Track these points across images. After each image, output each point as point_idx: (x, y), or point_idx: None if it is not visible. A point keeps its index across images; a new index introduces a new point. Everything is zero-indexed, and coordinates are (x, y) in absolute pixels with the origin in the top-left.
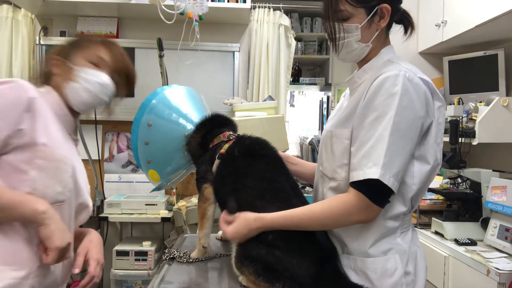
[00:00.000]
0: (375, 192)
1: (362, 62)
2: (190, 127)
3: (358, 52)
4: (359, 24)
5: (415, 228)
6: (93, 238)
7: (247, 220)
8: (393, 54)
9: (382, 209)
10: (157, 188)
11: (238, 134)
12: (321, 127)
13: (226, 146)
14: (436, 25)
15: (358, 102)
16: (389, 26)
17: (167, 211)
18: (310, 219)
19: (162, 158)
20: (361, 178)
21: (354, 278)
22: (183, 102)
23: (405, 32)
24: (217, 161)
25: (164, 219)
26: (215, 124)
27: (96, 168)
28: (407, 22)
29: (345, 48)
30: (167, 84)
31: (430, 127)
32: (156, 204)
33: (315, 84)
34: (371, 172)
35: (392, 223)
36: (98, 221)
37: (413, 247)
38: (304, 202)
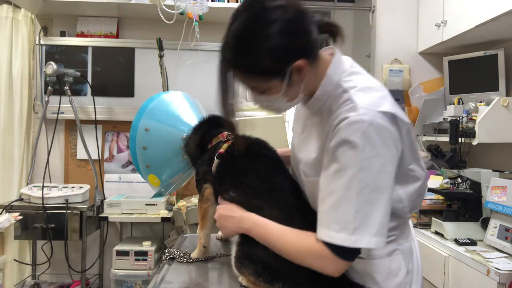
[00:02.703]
0: (341, 249)
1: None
2: (187, 130)
3: (293, 104)
4: (278, 94)
5: (409, 222)
6: None
7: (232, 212)
8: (341, 71)
9: (352, 262)
10: (158, 194)
11: None
12: None
13: (225, 145)
14: (436, 25)
15: (323, 145)
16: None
17: (167, 211)
18: (278, 239)
19: (160, 162)
20: (327, 240)
21: (358, 279)
22: (180, 106)
23: (334, 40)
24: (216, 161)
25: (164, 219)
26: (213, 124)
27: (96, 168)
28: (333, 30)
29: (278, 111)
30: (167, 84)
31: (403, 154)
32: (156, 204)
33: None
34: (340, 238)
35: (392, 232)
36: (98, 221)
37: (411, 242)
38: (302, 198)
